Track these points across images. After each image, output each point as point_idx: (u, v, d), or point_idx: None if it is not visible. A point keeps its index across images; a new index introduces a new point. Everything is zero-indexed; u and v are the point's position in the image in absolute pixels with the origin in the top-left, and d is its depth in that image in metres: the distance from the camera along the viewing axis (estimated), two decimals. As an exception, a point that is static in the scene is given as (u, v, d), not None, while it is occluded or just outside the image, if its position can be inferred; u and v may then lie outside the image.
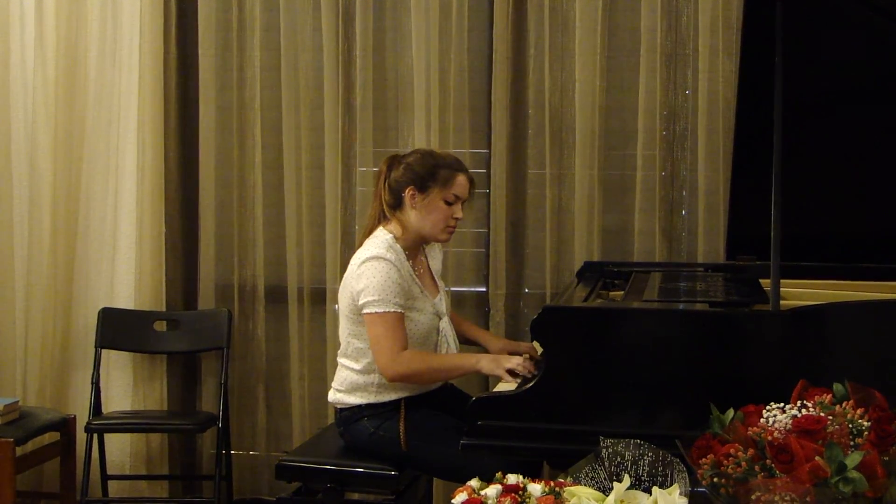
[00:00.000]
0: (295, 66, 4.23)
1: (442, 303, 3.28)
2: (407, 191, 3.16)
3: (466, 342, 3.48)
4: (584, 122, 4.04)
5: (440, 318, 3.23)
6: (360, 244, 3.22)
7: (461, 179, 3.19)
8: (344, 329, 3.22)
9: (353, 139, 4.23)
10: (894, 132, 3.40)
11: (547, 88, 4.09)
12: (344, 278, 3.21)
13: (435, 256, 3.38)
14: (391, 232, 3.18)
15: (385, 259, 3.09)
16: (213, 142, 4.30)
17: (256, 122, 4.28)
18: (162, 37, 4.27)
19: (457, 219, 3.21)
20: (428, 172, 3.16)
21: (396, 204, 3.19)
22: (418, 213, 3.17)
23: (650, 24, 4.00)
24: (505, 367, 3.03)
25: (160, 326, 4.32)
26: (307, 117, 4.25)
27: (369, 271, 3.08)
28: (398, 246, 3.16)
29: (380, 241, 3.15)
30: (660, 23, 4.00)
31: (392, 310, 3.06)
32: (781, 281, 2.74)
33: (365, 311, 3.08)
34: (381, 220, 3.22)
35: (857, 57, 3.34)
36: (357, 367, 3.18)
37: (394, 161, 3.24)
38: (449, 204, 3.18)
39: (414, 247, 3.24)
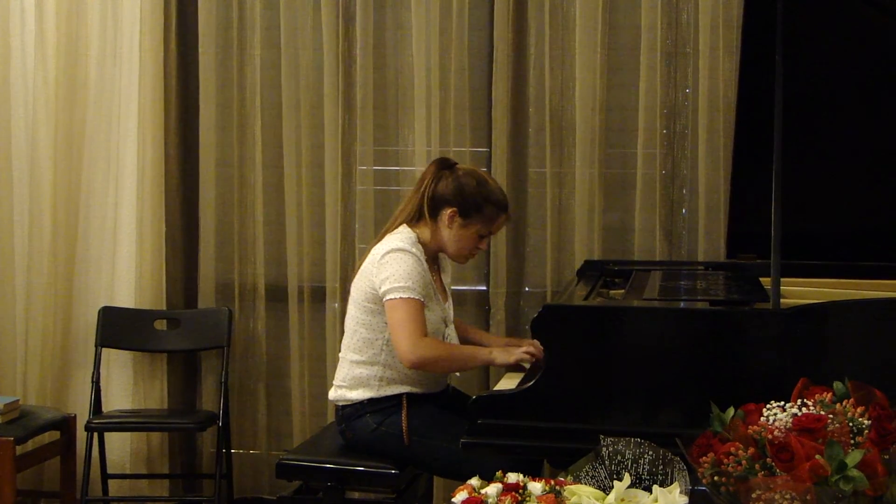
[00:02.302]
0: (295, 65, 4.23)
1: (450, 310, 3.31)
2: (448, 209, 3.17)
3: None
4: (584, 120, 4.04)
5: (447, 326, 3.25)
6: (383, 235, 3.22)
7: (502, 220, 3.25)
8: (352, 319, 3.22)
9: (354, 138, 4.22)
10: (894, 129, 3.40)
11: (547, 87, 4.09)
12: (362, 268, 3.20)
13: (446, 268, 3.40)
14: (417, 233, 3.20)
15: (411, 252, 3.11)
16: (214, 140, 4.30)
17: (257, 121, 4.28)
18: (162, 35, 4.27)
19: (480, 249, 3.26)
20: (477, 204, 3.18)
21: (434, 213, 3.20)
22: (451, 234, 3.20)
23: (650, 22, 4.00)
24: (515, 357, 3.10)
25: (160, 325, 4.32)
26: (307, 116, 4.25)
27: (394, 261, 3.09)
28: (420, 248, 3.17)
29: (405, 237, 3.16)
30: (660, 21, 4.00)
31: (416, 297, 3.07)
32: (782, 279, 2.74)
33: (388, 297, 3.07)
34: (412, 219, 3.22)
35: (858, 55, 3.34)
36: (361, 358, 3.18)
37: (444, 167, 3.23)
38: (482, 237, 3.22)
39: (432, 254, 3.26)
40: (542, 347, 3.12)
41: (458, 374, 3.37)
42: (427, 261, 3.19)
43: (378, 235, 3.28)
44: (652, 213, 4.05)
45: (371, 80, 4.19)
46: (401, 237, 3.17)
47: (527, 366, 3.17)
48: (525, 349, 3.12)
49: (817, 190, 3.43)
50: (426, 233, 3.21)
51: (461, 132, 4.15)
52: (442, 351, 3.12)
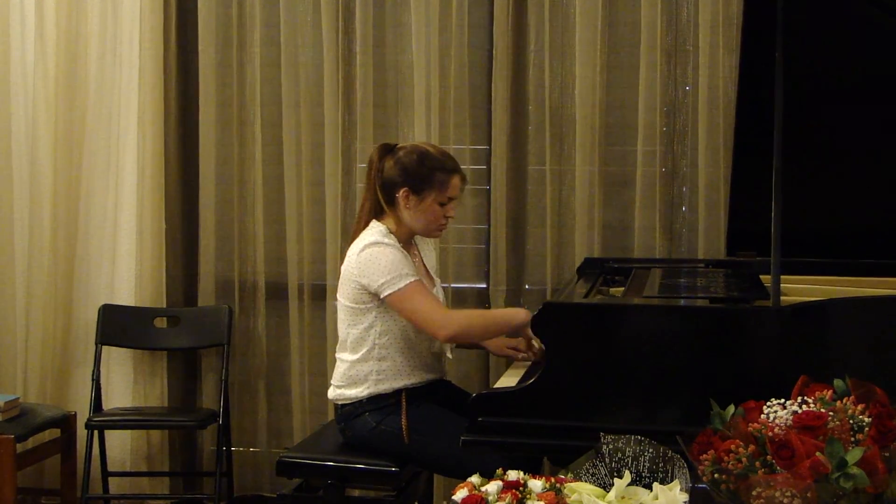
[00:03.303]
0: (295, 63, 4.23)
1: (439, 294, 3.29)
2: (401, 191, 3.15)
3: (468, 346, 3.50)
4: (584, 118, 4.04)
5: None
6: (356, 236, 3.21)
7: (456, 181, 3.19)
8: (343, 320, 3.22)
9: (353, 136, 4.22)
10: (894, 127, 3.40)
11: (547, 84, 4.08)
12: (343, 269, 3.20)
13: (428, 253, 3.39)
14: (385, 225, 3.19)
15: (385, 243, 3.10)
16: (214, 138, 4.30)
17: (256, 119, 4.28)
18: (162, 33, 4.27)
19: (448, 217, 3.22)
20: (423, 176, 3.14)
21: (390, 201, 3.18)
22: (411, 214, 3.17)
23: (650, 19, 4.00)
24: (535, 345, 3.17)
25: (160, 323, 4.32)
26: (307, 114, 4.25)
27: (373, 257, 3.08)
28: (393, 237, 3.16)
29: (375, 231, 3.15)
30: (660, 18, 4.00)
31: (412, 280, 3.06)
32: (782, 277, 2.74)
33: (386, 293, 3.06)
34: (376, 213, 3.21)
35: (858, 52, 3.34)
36: (355, 356, 3.18)
37: (385, 152, 3.21)
38: (442, 205, 3.18)
39: (407, 240, 3.25)
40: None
41: (450, 355, 3.33)
42: (404, 247, 3.18)
43: (350, 237, 3.27)
44: (652, 210, 4.05)
45: (371, 78, 4.19)
46: (371, 232, 3.16)
47: (519, 357, 3.17)
48: (539, 348, 3.11)
49: (817, 187, 3.43)
50: (392, 222, 3.19)
51: (461, 130, 4.15)
52: (472, 318, 3.19)
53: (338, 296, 3.25)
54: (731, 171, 3.79)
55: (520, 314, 3.16)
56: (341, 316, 3.23)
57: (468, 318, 3.16)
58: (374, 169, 3.20)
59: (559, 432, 2.72)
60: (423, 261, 3.33)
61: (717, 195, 3.97)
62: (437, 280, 3.38)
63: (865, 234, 3.51)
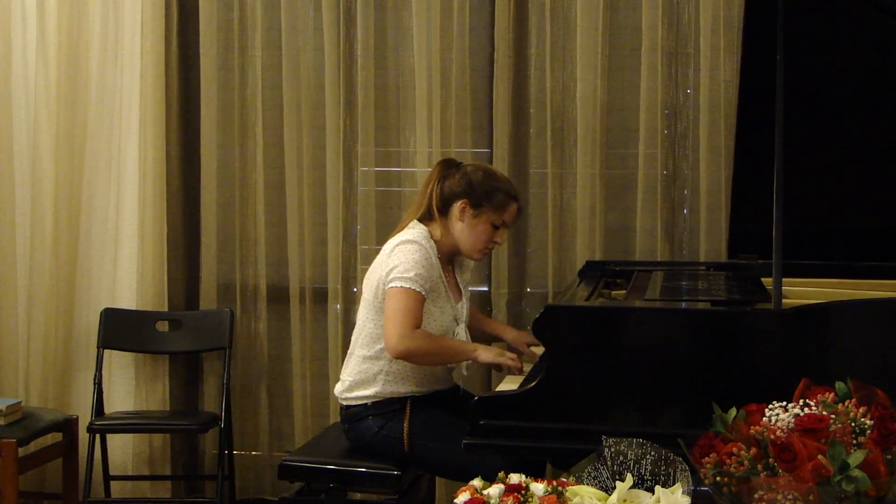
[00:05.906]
0: (296, 66, 4.24)
1: (464, 310, 3.31)
2: (459, 202, 3.19)
3: (486, 339, 3.50)
4: (585, 121, 4.04)
5: (457, 324, 3.25)
6: (394, 234, 3.24)
7: (514, 208, 3.24)
8: (362, 314, 3.24)
9: (355, 139, 4.23)
10: (895, 128, 3.40)
11: (548, 87, 4.09)
12: (374, 263, 3.23)
13: (464, 266, 3.40)
14: (430, 229, 3.22)
15: (420, 244, 3.13)
16: (215, 141, 4.30)
17: (258, 122, 4.28)
18: (163, 36, 4.27)
19: (496, 242, 3.25)
20: (486, 193, 3.20)
21: (444, 210, 3.22)
22: (463, 227, 3.21)
23: (651, 22, 4.00)
24: (499, 360, 3.13)
25: (162, 326, 4.32)
26: (308, 117, 4.25)
27: (402, 253, 3.11)
28: (433, 243, 3.19)
29: (417, 232, 3.19)
30: (661, 21, 4.00)
31: (416, 289, 3.08)
32: (784, 279, 2.74)
33: (391, 284, 3.09)
34: (424, 219, 3.24)
35: (859, 54, 3.34)
36: (368, 353, 3.20)
37: (450, 166, 3.26)
38: (495, 227, 3.21)
39: (448, 255, 3.27)
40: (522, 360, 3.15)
41: (465, 372, 3.35)
42: (441, 260, 3.20)
43: (394, 233, 3.29)
44: (653, 213, 4.05)
45: (372, 81, 4.19)
46: (413, 232, 3.19)
47: (509, 370, 3.18)
48: (511, 357, 3.14)
49: (819, 190, 3.43)
50: (437, 230, 3.22)
51: (462, 133, 4.15)
52: (428, 344, 3.11)
53: (364, 287, 3.26)
54: (733, 173, 3.79)
55: (467, 349, 3.18)
56: (362, 309, 3.25)
57: (429, 343, 3.11)
58: (435, 179, 3.24)
59: (561, 435, 2.72)
60: (455, 276, 3.35)
61: (718, 198, 3.97)
62: (467, 295, 3.38)
63: (867, 236, 3.51)
